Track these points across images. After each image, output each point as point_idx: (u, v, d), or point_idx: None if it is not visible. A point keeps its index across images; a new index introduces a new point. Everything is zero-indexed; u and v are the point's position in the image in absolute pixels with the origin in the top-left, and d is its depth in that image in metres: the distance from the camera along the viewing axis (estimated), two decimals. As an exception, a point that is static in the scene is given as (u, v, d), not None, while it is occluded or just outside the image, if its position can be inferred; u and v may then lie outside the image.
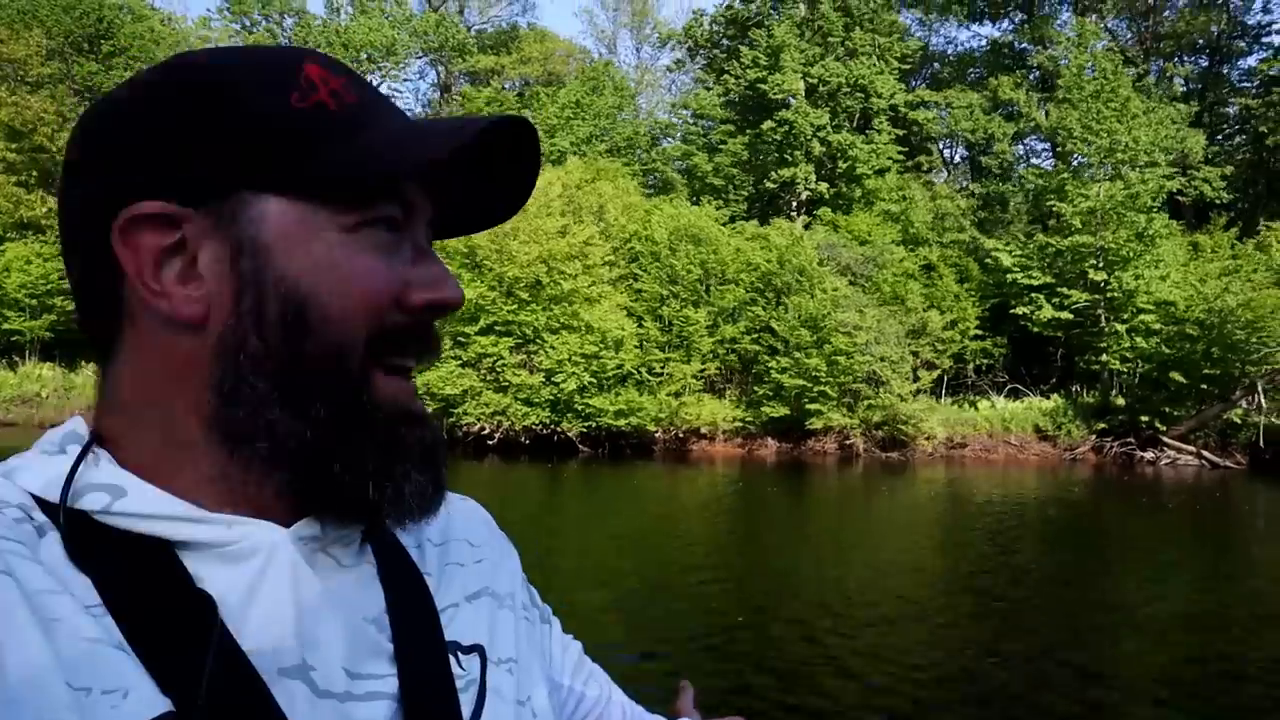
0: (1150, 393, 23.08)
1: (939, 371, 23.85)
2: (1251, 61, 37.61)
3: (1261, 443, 21.60)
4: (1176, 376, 22.10)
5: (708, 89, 34.77)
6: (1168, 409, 22.61)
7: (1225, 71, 38.69)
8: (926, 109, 32.24)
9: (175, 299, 0.55)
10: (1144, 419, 22.74)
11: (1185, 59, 39.56)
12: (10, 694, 0.46)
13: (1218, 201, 31.20)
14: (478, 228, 0.70)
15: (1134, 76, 33.59)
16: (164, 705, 0.49)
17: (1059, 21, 33.82)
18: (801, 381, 22.09)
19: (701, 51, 36.12)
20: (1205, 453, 22.17)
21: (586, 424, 22.00)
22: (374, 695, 0.58)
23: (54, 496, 0.54)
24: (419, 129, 0.58)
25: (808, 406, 22.25)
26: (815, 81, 30.46)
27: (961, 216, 28.20)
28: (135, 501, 0.54)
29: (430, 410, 0.63)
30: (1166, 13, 37.73)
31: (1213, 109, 38.61)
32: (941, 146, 38.00)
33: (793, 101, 29.72)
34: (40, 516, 0.54)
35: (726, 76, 31.98)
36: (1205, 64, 39.22)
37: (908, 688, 5.96)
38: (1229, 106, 37.63)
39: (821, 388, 22.06)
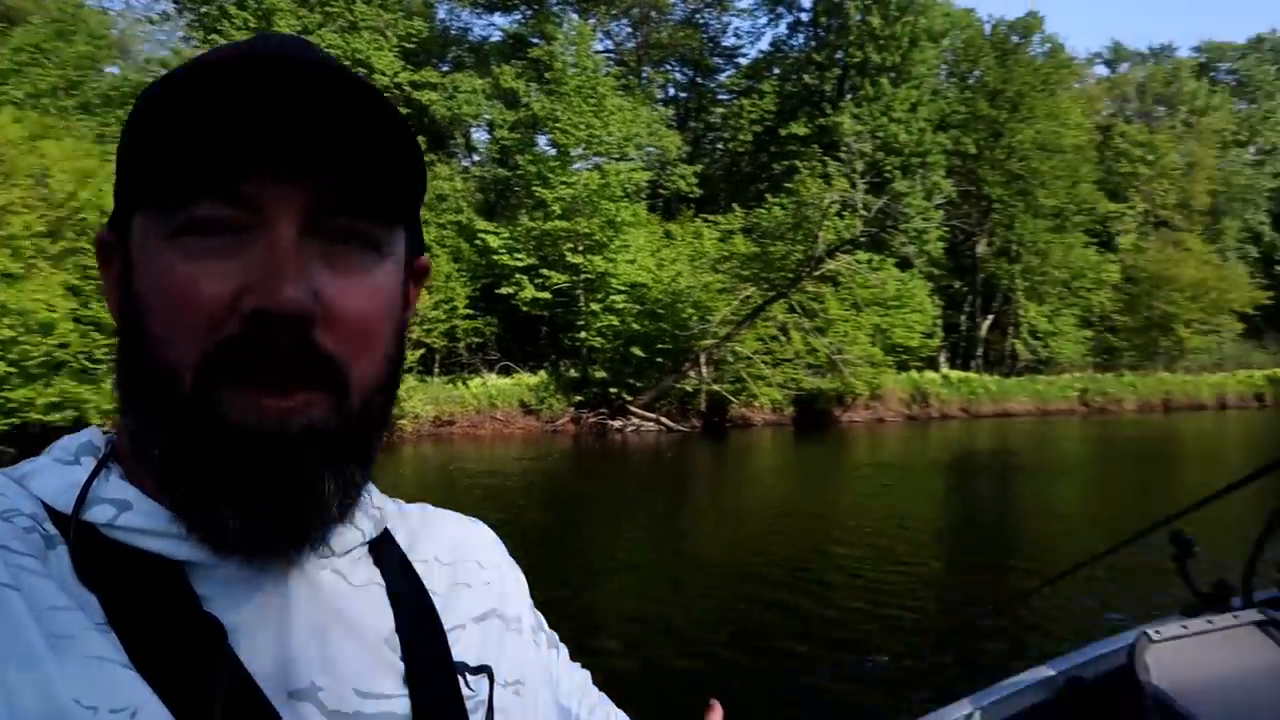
0: (621, 366, 25.40)
1: (423, 350, 24.09)
2: (722, 78, 43.25)
3: (703, 408, 24.85)
4: (637, 351, 24.61)
5: (194, 47, 31.76)
6: (633, 381, 25.04)
7: (706, 83, 43.94)
8: (433, 91, 32.37)
9: (116, 316, 0.57)
10: (614, 390, 24.97)
11: (674, 68, 44.24)
12: (18, 712, 0.44)
13: (691, 196, 35.29)
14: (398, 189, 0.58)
15: (624, 78, 36.71)
16: None
17: (563, 19, 35.86)
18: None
19: (190, 6, 32.92)
20: (664, 419, 24.88)
21: (9, 420, 18.90)
22: (385, 715, 0.56)
23: (64, 506, 0.53)
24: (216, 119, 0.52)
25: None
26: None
27: (460, 198, 28.78)
28: (139, 516, 0.53)
29: (298, 434, 0.52)
30: (660, 24, 41.82)
31: (697, 114, 43.59)
32: (469, 130, 38.67)
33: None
34: (50, 528, 0.52)
35: (216, 36, 29.41)
36: (691, 74, 44.23)
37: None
38: (711, 115, 42.78)
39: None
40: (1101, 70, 57.51)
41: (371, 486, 0.66)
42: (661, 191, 34.85)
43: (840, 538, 10.27)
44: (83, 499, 0.53)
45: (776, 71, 40.83)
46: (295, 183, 0.52)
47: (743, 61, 43.03)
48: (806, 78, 38.11)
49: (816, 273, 25.04)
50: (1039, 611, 6.72)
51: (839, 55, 37.56)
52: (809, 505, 13.26)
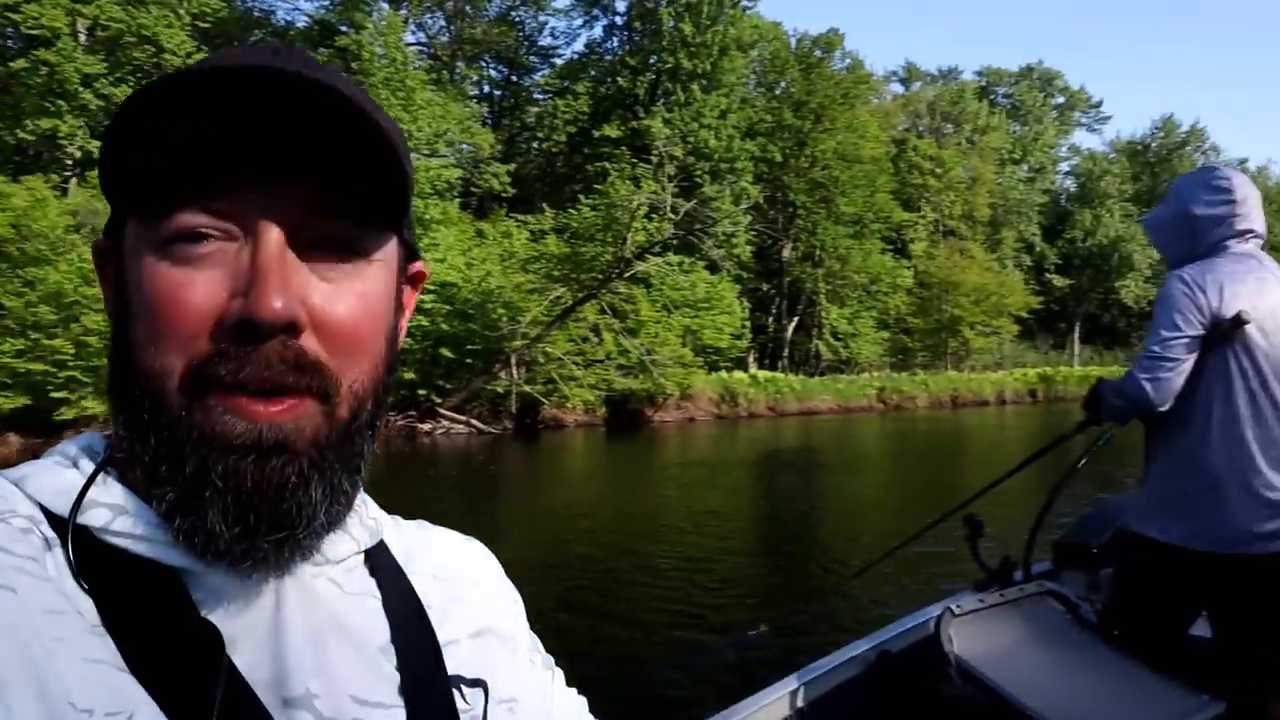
0: (430, 368, 24.68)
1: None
2: (538, 77, 43.02)
3: (515, 409, 24.53)
4: (446, 352, 23.97)
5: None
6: (443, 383, 24.40)
7: (521, 81, 43.58)
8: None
9: (111, 318, 0.57)
10: (423, 393, 24.25)
11: (489, 65, 43.62)
12: (15, 715, 0.44)
13: (504, 195, 34.84)
14: (388, 195, 0.57)
15: (436, 72, 35.81)
16: None
17: (373, 8, 34.54)
18: (45, 366, 19.09)
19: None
20: (475, 421, 24.36)
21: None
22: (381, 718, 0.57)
23: (61, 509, 0.52)
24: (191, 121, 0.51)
25: (54, 395, 19.33)
26: (91, 23, 26.77)
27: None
28: (134, 522, 0.53)
29: (285, 440, 0.53)
30: (476, 19, 41.07)
31: (512, 113, 43.13)
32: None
33: (56, 42, 25.70)
34: (48, 530, 0.52)
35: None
36: (506, 72, 43.73)
37: None
38: (526, 115, 42.43)
39: (70, 372, 19.32)
40: (897, 88, 61.29)
41: (367, 498, 0.67)
42: (474, 190, 34.21)
43: (649, 534, 10.28)
44: (79, 502, 0.53)
45: (592, 73, 41.02)
46: (282, 191, 0.52)
47: (558, 62, 42.99)
48: (620, 81, 38.47)
49: (627, 274, 25.20)
50: (851, 597, 6.90)
51: (652, 60, 38.13)
52: (617, 504, 13.24)
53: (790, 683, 2.51)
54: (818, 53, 43.06)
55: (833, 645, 2.85)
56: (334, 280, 0.55)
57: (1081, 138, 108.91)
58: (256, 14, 38.08)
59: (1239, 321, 2.24)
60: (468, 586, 0.71)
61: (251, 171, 0.52)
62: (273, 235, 0.52)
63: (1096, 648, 2.49)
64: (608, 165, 30.88)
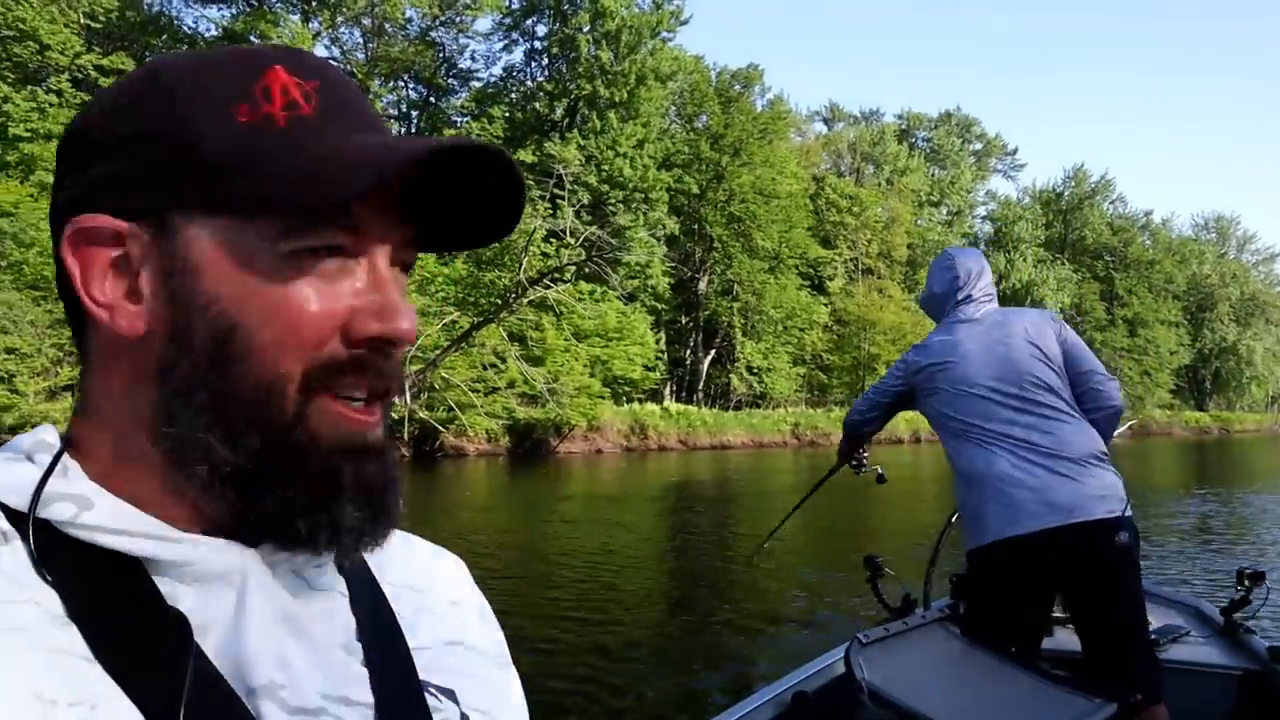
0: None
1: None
2: (457, 100, 42.32)
3: (409, 436, 23.55)
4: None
5: None
6: (332, 407, 23.34)
7: (439, 103, 42.81)
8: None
9: (116, 313, 0.54)
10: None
11: (408, 85, 42.79)
12: None
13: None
14: (472, 244, 0.63)
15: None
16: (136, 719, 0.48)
17: (282, 20, 33.51)
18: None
19: None
20: (365, 448, 23.33)
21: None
22: (349, 713, 0.57)
23: (18, 503, 0.52)
24: (371, 149, 0.54)
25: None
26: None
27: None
28: (101, 515, 0.52)
29: (382, 444, 0.58)
30: (394, 38, 40.25)
31: (429, 135, 42.16)
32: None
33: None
34: (3, 524, 0.52)
35: None
36: (425, 93, 42.95)
37: None
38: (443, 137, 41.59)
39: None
40: (820, 127, 62.14)
41: None
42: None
43: (535, 566, 9.81)
44: (39, 493, 0.52)
45: (512, 98, 40.52)
46: (395, 222, 0.57)
47: (477, 84, 42.38)
48: (538, 106, 38.00)
49: (524, 299, 24.49)
50: (760, 645, 6.64)
51: (570, 86, 37.76)
52: (505, 535, 12.65)
53: None
54: (737, 87, 43.23)
55: (744, 689, 2.93)
56: (404, 297, 0.58)
57: (997, 184, 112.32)
58: (164, 19, 36.69)
59: (940, 366, 2.87)
60: (440, 597, 0.70)
61: (390, 204, 0.56)
62: (385, 258, 0.56)
63: (993, 663, 2.60)
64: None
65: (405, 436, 23.89)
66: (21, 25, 24.83)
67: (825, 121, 63.03)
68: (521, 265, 23.68)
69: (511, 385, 25.33)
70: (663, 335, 39.84)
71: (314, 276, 0.53)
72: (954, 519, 3.44)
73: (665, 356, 39.97)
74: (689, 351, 42.33)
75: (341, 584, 0.62)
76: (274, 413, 0.53)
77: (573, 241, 25.28)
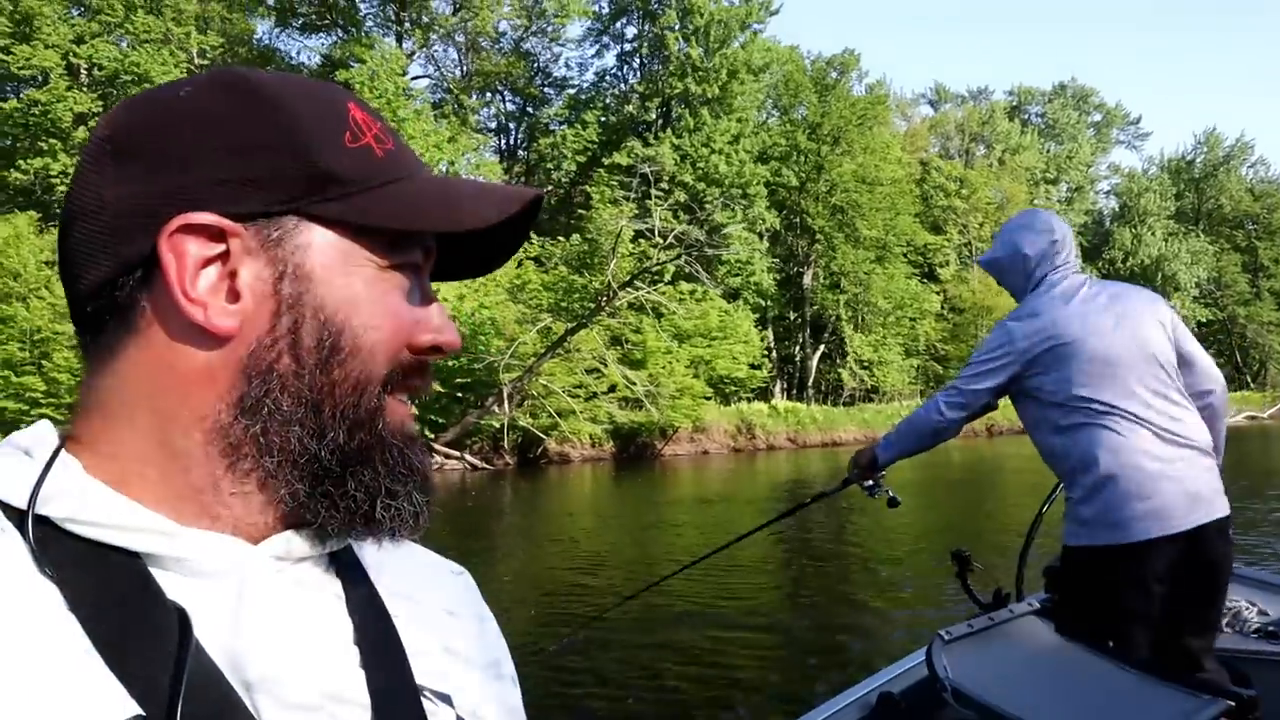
0: (424, 403, 23.86)
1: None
2: (553, 109, 42.58)
3: (511, 444, 23.55)
4: (437, 386, 23.04)
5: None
6: (436, 418, 23.53)
7: (535, 113, 43.20)
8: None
9: (211, 310, 0.55)
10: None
11: (504, 97, 43.35)
12: None
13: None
14: (466, 274, 0.71)
15: (445, 104, 35.43)
16: (133, 709, 0.48)
17: (376, 44, 34.33)
18: (19, 405, 18.63)
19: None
20: (470, 457, 23.46)
21: None
22: (345, 710, 0.58)
23: (16, 499, 0.53)
24: (454, 190, 0.62)
25: (24, 436, 18.91)
26: (85, 63, 26.75)
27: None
28: (101, 510, 0.53)
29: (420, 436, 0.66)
30: (489, 52, 40.83)
31: (528, 145, 42.72)
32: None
33: (49, 81, 25.70)
34: (1, 520, 0.53)
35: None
36: (521, 104, 43.41)
37: None
38: (542, 145, 41.98)
39: (43, 410, 18.82)
40: (926, 110, 60.02)
41: None
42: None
43: (642, 570, 9.45)
44: (38, 489, 0.53)
45: (607, 101, 40.50)
46: (430, 244, 0.64)
47: (571, 91, 42.54)
48: (630, 108, 37.82)
49: (616, 302, 24.19)
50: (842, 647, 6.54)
51: (662, 85, 37.44)
52: (619, 540, 12.43)
53: None
54: (833, 74, 42.05)
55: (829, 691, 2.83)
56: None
57: (1120, 155, 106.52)
58: (278, 55, 38.21)
59: (1064, 342, 2.59)
60: (440, 605, 0.71)
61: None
62: (427, 274, 0.64)
63: (1091, 659, 2.50)
64: (589, 189, 30.04)
65: (507, 445, 23.94)
66: (136, 69, 26.05)
67: (931, 104, 60.88)
68: (610, 268, 23.38)
69: (613, 389, 25.09)
70: (770, 332, 39.04)
71: (401, 290, 0.60)
72: (1045, 509, 3.37)
73: (773, 354, 39.14)
74: (797, 348, 41.37)
75: (339, 585, 0.63)
76: (364, 408, 0.58)
77: (661, 241, 24.85)
